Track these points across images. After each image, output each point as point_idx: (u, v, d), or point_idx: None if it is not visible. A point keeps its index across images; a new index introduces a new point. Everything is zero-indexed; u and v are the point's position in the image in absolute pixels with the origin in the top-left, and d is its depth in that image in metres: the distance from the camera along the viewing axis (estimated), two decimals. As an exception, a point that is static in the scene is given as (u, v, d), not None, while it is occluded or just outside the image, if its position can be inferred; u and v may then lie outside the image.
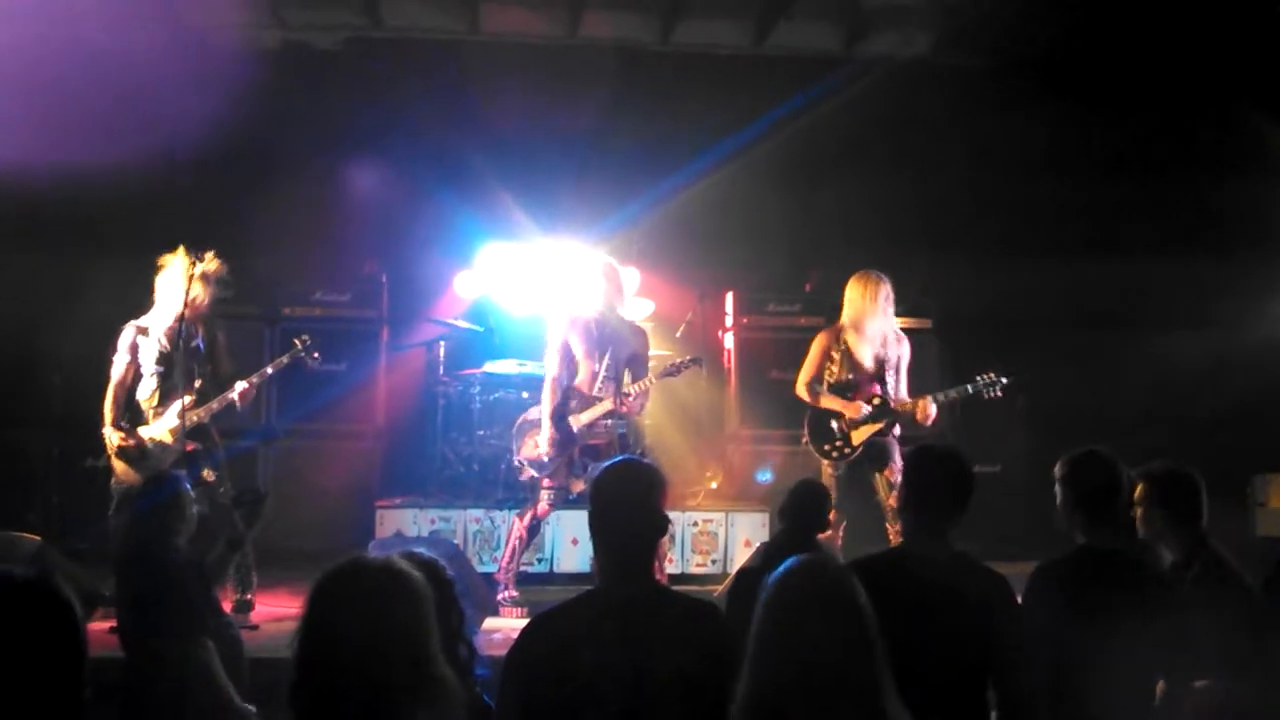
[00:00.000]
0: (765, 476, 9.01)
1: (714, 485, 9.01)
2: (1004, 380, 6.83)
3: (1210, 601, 4.10)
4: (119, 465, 6.61)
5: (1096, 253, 9.24)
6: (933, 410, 6.81)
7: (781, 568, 2.73)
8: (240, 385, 6.62)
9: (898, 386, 7.00)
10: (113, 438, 6.62)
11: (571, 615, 3.21)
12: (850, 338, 6.96)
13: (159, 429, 6.62)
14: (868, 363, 6.94)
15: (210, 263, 6.63)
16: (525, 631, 3.22)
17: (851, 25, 9.50)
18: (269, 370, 6.77)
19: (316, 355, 6.90)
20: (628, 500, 3.24)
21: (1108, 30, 8.76)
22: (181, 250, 6.62)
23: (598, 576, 3.31)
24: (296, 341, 6.87)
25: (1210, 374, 9.04)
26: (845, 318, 7.03)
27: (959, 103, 9.23)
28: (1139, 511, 4.34)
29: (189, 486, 4.95)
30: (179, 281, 6.57)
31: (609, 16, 9.52)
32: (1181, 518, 4.28)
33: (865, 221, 9.31)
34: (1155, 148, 9.39)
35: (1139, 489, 4.36)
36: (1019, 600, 3.76)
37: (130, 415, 6.70)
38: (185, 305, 6.54)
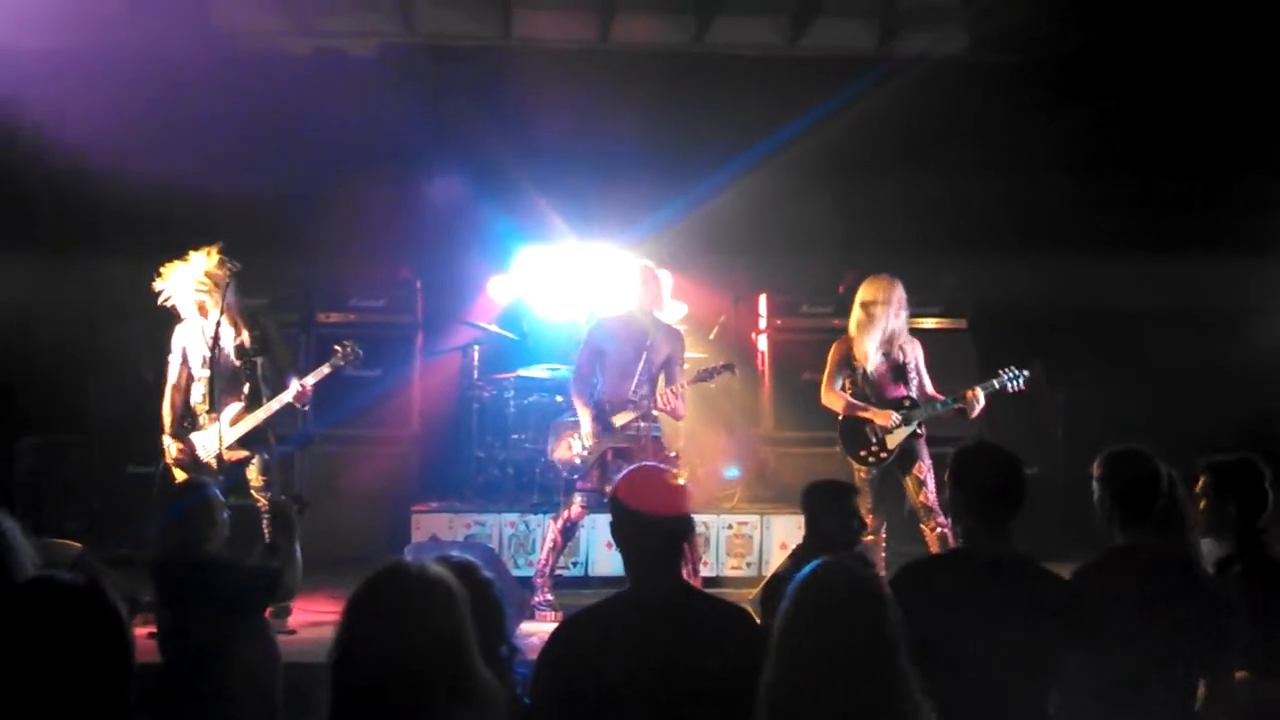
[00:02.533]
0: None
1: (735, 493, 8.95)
2: (1025, 373, 6.78)
3: (1253, 597, 4.06)
4: (177, 474, 6.61)
5: (1134, 250, 9.15)
6: (981, 400, 6.77)
7: (804, 571, 2.74)
8: (294, 386, 6.56)
9: (922, 386, 6.96)
10: (171, 448, 6.63)
11: (600, 617, 3.23)
12: (863, 344, 6.92)
13: (209, 437, 6.53)
14: (885, 367, 6.91)
15: (210, 259, 6.53)
16: (555, 633, 3.26)
17: (885, 24, 9.48)
18: (311, 380, 6.65)
19: (357, 358, 6.81)
20: (649, 505, 3.24)
21: (1140, 26, 8.70)
22: (175, 264, 6.58)
23: (627, 579, 3.30)
24: (336, 349, 6.78)
25: (1250, 371, 8.96)
26: (854, 324, 6.99)
27: (993, 101, 9.18)
28: (1201, 503, 4.30)
29: (219, 491, 4.96)
30: (190, 287, 6.53)
31: (641, 19, 9.52)
32: (1245, 510, 4.24)
33: (899, 222, 9.29)
34: (1191, 143, 9.30)
35: (1202, 479, 4.32)
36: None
37: (185, 420, 6.70)
38: (202, 312, 6.54)
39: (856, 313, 6.98)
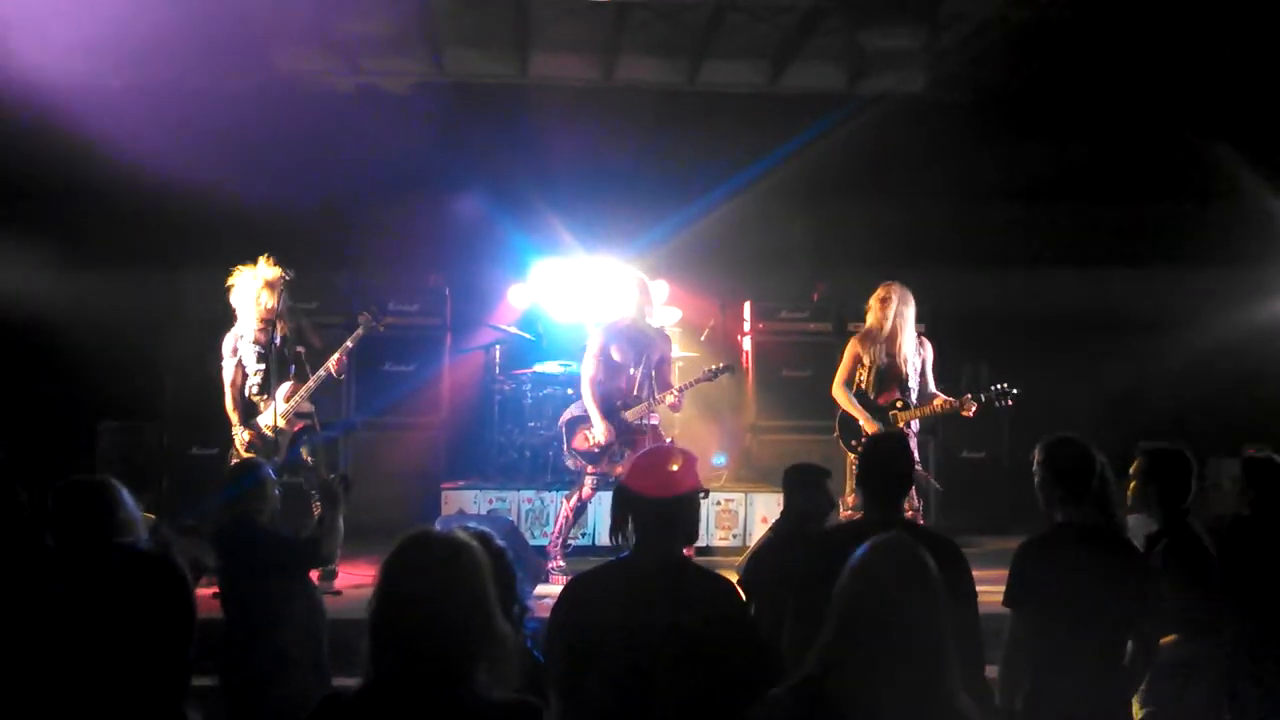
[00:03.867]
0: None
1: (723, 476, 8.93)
2: (1014, 392, 6.72)
3: (1177, 569, 4.07)
4: (249, 458, 6.67)
5: (1069, 265, 9.17)
6: (974, 406, 6.72)
7: (865, 546, 2.61)
8: (331, 360, 6.77)
9: (924, 387, 6.92)
10: (242, 435, 6.76)
11: (599, 579, 3.25)
12: (873, 345, 6.90)
13: (270, 416, 6.74)
14: (889, 368, 6.87)
15: (270, 270, 6.73)
16: (562, 593, 3.27)
17: (854, 66, 9.45)
18: (349, 344, 6.87)
19: (380, 323, 7.04)
20: (657, 481, 3.23)
21: (1076, 71, 8.71)
22: (240, 270, 6.74)
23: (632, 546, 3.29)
24: (360, 318, 7.03)
25: (1170, 372, 8.98)
26: (868, 327, 6.97)
27: (947, 135, 9.17)
28: (1132, 484, 4.31)
29: (271, 470, 4.96)
30: (250, 294, 6.70)
31: (641, 61, 9.51)
32: (1170, 492, 4.24)
33: (865, 239, 9.30)
34: (1120, 174, 9.33)
35: (1136, 462, 4.33)
36: (964, 556, 3.69)
37: (247, 411, 6.82)
38: (262, 312, 6.68)
39: (868, 316, 6.95)
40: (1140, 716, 4.04)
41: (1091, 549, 3.80)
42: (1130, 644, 3.78)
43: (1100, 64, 8.51)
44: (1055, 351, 9.04)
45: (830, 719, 2.41)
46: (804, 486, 4.81)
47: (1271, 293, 9.25)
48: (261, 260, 6.73)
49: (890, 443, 4.20)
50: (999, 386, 6.73)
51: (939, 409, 6.80)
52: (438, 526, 6.03)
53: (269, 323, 6.76)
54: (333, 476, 5.26)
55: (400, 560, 2.37)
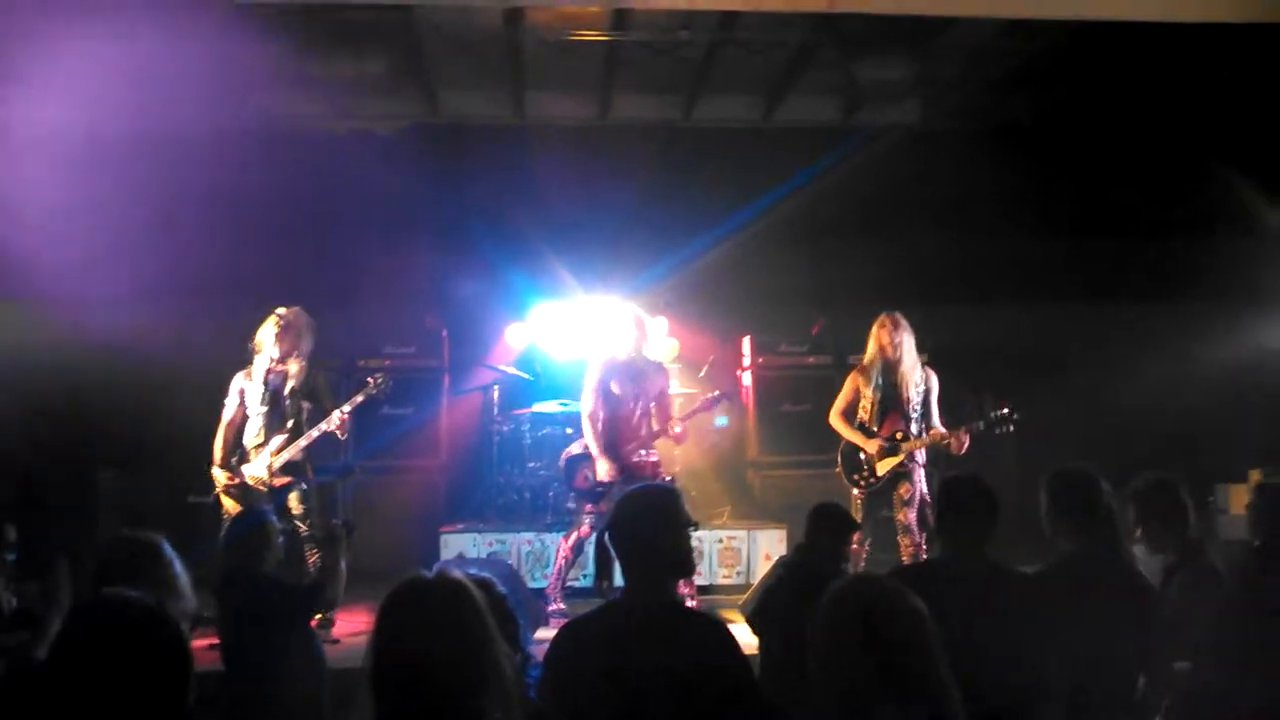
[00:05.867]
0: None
1: (724, 513, 8.87)
2: (1016, 417, 6.66)
3: (1195, 599, 4.03)
4: (226, 501, 6.64)
5: (1070, 298, 9.17)
6: (966, 441, 6.66)
7: (837, 585, 2.61)
8: (335, 415, 6.66)
9: (928, 418, 6.87)
10: (220, 477, 6.67)
11: (590, 624, 3.17)
12: (872, 376, 6.87)
13: (257, 467, 6.64)
14: (891, 399, 6.83)
15: (291, 315, 6.73)
16: (554, 639, 3.21)
17: (849, 99, 9.51)
18: (347, 408, 6.75)
19: (388, 387, 6.94)
20: (649, 520, 3.18)
21: (1072, 102, 8.76)
22: (272, 311, 6.71)
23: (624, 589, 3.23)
24: (369, 380, 6.91)
25: (1171, 400, 8.95)
26: (868, 358, 6.94)
27: (945, 167, 9.19)
28: (1138, 527, 4.28)
29: (274, 517, 4.94)
30: (269, 334, 6.66)
31: (635, 98, 9.57)
32: (1170, 524, 4.21)
33: (864, 273, 9.27)
34: (1115, 207, 9.34)
35: (1134, 504, 4.30)
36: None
37: (236, 455, 6.74)
38: (277, 350, 6.64)
39: (870, 345, 6.92)
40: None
41: (1096, 579, 3.76)
42: (1142, 677, 3.74)
43: (1097, 94, 8.56)
44: (1058, 383, 9.01)
45: None
46: (834, 530, 4.76)
47: (1275, 323, 9.25)
48: (296, 308, 6.79)
49: (971, 484, 4.04)
50: (998, 413, 6.68)
51: (935, 441, 6.75)
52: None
53: (281, 364, 6.71)
54: (335, 521, 5.24)
55: (395, 606, 2.33)
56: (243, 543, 4.72)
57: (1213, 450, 8.31)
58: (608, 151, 9.63)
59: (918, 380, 6.87)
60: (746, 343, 9.73)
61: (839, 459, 6.98)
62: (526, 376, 9.11)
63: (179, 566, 3.43)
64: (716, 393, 7.25)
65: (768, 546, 8.08)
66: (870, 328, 6.96)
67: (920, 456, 6.80)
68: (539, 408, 8.78)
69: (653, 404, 7.06)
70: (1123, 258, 9.34)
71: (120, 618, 2.27)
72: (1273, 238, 8.96)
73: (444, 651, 2.26)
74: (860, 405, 6.88)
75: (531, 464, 8.58)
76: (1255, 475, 5.98)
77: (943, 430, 6.77)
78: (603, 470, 6.92)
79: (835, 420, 6.94)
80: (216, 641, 5.79)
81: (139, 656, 2.24)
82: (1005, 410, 6.65)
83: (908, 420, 6.80)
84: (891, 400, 6.81)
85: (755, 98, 9.61)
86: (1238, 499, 6.05)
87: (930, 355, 9.17)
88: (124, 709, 2.20)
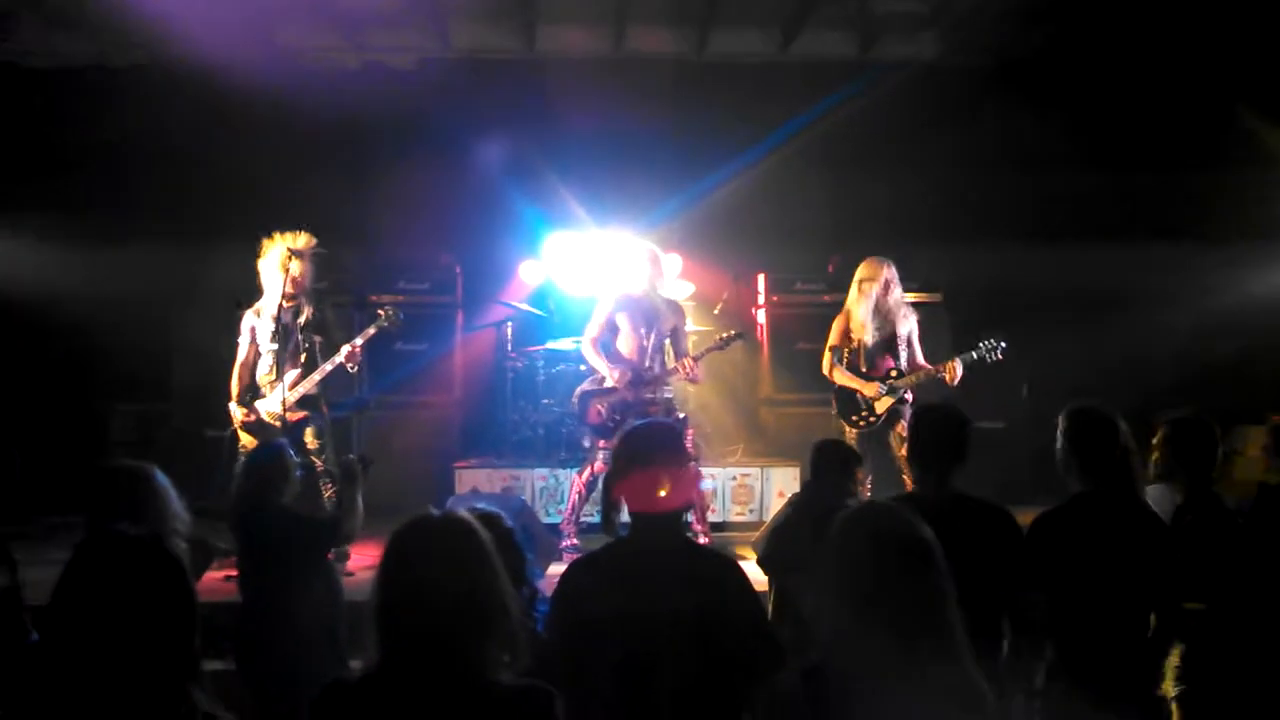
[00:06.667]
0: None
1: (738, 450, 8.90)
2: (1003, 344, 6.69)
3: (1205, 541, 4.02)
4: (244, 436, 6.69)
5: (1086, 236, 9.09)
6: (959, 372, 6.70)
7: (846, 513, 2.58)
8: (345, 348, 6.65)
9: (913, 356, 6.91)
10: (236, 413, 6.72)
11: (598, 564, 3.18)
12: (859, 319, 6.87)
13: (272, 402, 6.67)
14: (878, 340, 6.84)
15: (300, 239, 6.66)
16: (564, 575, 3.20)
17: (866, 33, 9.39)
18: (359, 341, 6.75)
19: (399, 320, 6.90)
20: (653, 458, 3.17)
21: (1091, 35, 8.62)
22: (276, 235, 6.67)
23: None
24: (380, 312, 6.91)
25: (1191, 342, 8.92)
26: (851, 300, 6.95)
27: (963, 103, 9.10)
28: (1155, 454, 4.26)
29: (291, 451, 4.97)
30: (278, 263, 6.62)
31: (649, 31, 9.46)
32: (1195, 462, 4.19)
33: (880, 209, 9.23)
34: (1139, 142, 9.23)
35: (1160, 432, 4.28)
36: (1021, 530, 3.75)
37: (251, 391, 6.77)
38: (287, 283, 6.60)
39: (853, 290, 6.93)
40: (1174, 694, 4.01)
41: (1112, 519, 3.77)
42: (1154, 616, 3.76)
43: (1117, 27, 8.42)
44: (1074, 322, 8.99)
45: (838, 699, 2.37)
46: (839, 465, 4.78)
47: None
48: (293, 233, 6.67)
49: (939, 412, 4.07)
50: (987, 342, 6.69)
51: (924, 376, 6.77)
52: (450, 505, 6.05)
53: (295, 299, 6.70)
54: (352, 456, 5.26)
55: (402, 543, 2.34)
56: (261, 475, 4.75)
57: (1231, 392, 8.27)
58: (622, 85, 9.53)
59: (902, 322, 6.87)
60: (761, 280, 9.69)
61: (835, 401, 7.00)
62: (540, 313, 9.11)
63: (173, 494, 3.41)
64: (731, 332, 7.23)
65: (781, 484, 8.12)
66: (854, 269, 6.96)
67: (910, 394, 6.83)
68: (553, 345, 8.77)
69: (666, 340, 7.06)
70: (1140, 195, 9.24)
71: (121, 557, 2.27)
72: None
73: (448, 591, 2.26)
74: (847, 350, 6.89)
75: (545, 400, 8.59)
76: (1275, 418, 5.95)
77: (927, 366, 6.79)
78: (612, 376, 6.94)
79: (832, 373, 6.96)
80: (233, 574, 5.88)
81: (141, 596, 2.24)
82: (993, 341, 6.66)
83: (898, 359, 6.83)
84: (880, 344, 6.83)
85: (770, 31, 9.50)
86: (1255, 441, 5.99)
87: (945, 292, 9.20)
88: (129, 648, 2.20)
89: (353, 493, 4.90)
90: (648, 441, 3.26)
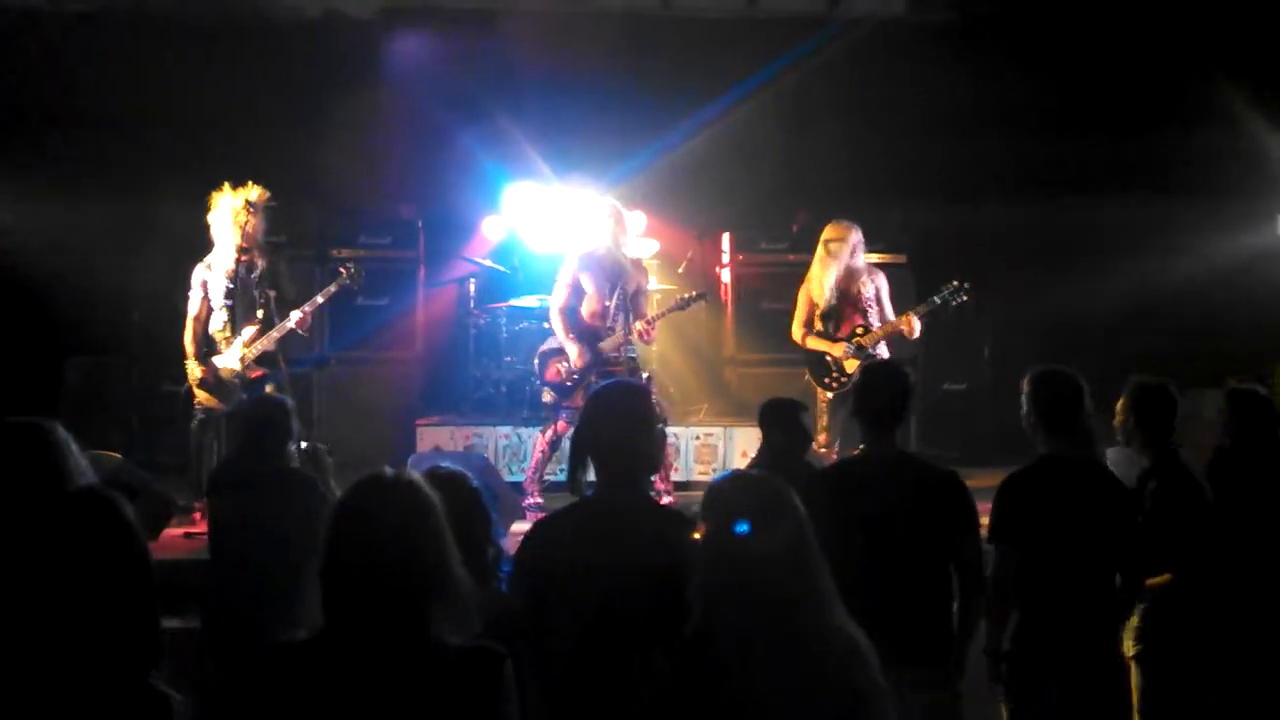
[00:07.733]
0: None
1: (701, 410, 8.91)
2: (966, 286, 6.66)
3: (1169, 507, 4.08)
4: (200, 393, 6.60)
5: (1049, 194, 9.12)
6: (917, 325, 6.70)
7: (715, 479, 2.66)
8: (295, 314, 6.56)
9: (882, 315, 6.91)
10: (195, 370, 6.61)
11: (562, 521, 3.16)
12: (824, 280, 6.87)
13: (230, 358, 6.57)
14: (844, 302, 6.84)
15: (252, 191, 6.54)
16: (525, 535, 3.19)
17: (833, -13, 9.35)
18: (319, 299, 6.69)
19: (360, 278, 6.81)
20: (618, 416, 3.15)
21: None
22: (226, 187, 6.56)
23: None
24: (341, 270, 6.80)
25: (1152, 303, 8.98)
26: (817, 262, 6.94)
27: (930, 60, 9.08)
28: (1119, 418, 4.31)
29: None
30: (229, 215, 6.51)
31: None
32: (1156, 427, 4.24)
33: (845, 168, 9.20)
34: (1103, 99, 9.26)
35: (1122, 399, 4.32)
36: (966, 488, 3.78)
37: (206, 347, 6.67)
38: (240, 237, 6.50)
39: (819, 252, 6.91)
40: (1133, 654, 4.08)
41: (1076, 482, 3.81)
42: (1118, 577, 3.81)
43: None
44: (1038, 282, 9.03)
45: (712, 670, 2.39)
46: (781, 422, 4.82)
47: (1258, 222, 9.24)
48: (246, 186, 6.54)
49: (882, 370, 4.14)
50: (950, 285, 6.70)
51: (886, 332, 6.79)
52: (411, 463, 6.02)
53: (247, 253, 6.58)
54: (318, 446, 5.17)
55: (349, 505, 2.31)
56: (259, 432, 4.66)
57: (1195, 354, 8.36)
58: (585, 39, 9.40)
59: (869, 280, 6.88)
60: (725, 239, 9.67)
61: (806, 365, 7.01)
62: (503, 270, 9.05)
63: (74, 447, 3.24)
64: (693, 293, 7.20)
65: (745, 444, 8.11)
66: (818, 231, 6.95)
67: (882, 350, 6.82)
68: (516, 302, 8.73)
69: (630, 302, 7.02)
70: (1107, 154, 9.27)
71: (69, 510, 2.22)
72: (1261, 133, 8.91)
73: (392, 553, 2.22)
74: (816, 314, 6.89)
75: (508, 358, 8.55)
76: (1232, 382, 6.02)
77: (890, 320, 6.81)
78: (573, 355, 6.90)
79: (801, 339, 6.96)
80: (195, 530, 5.84)
81: (90, 549, 2.19)
82: (955, 284, 6.66)
83: (866, 317, 6.83)
84: (844, 305, 6.84)
85: (737, -17, 9.42)
86: (1212, 404, 6.06)
87: (911, 250, 9.21)
88: (79, 600, 2.16)
89: (327, 480, 4.84)
90: (616, 401, 3.24)
